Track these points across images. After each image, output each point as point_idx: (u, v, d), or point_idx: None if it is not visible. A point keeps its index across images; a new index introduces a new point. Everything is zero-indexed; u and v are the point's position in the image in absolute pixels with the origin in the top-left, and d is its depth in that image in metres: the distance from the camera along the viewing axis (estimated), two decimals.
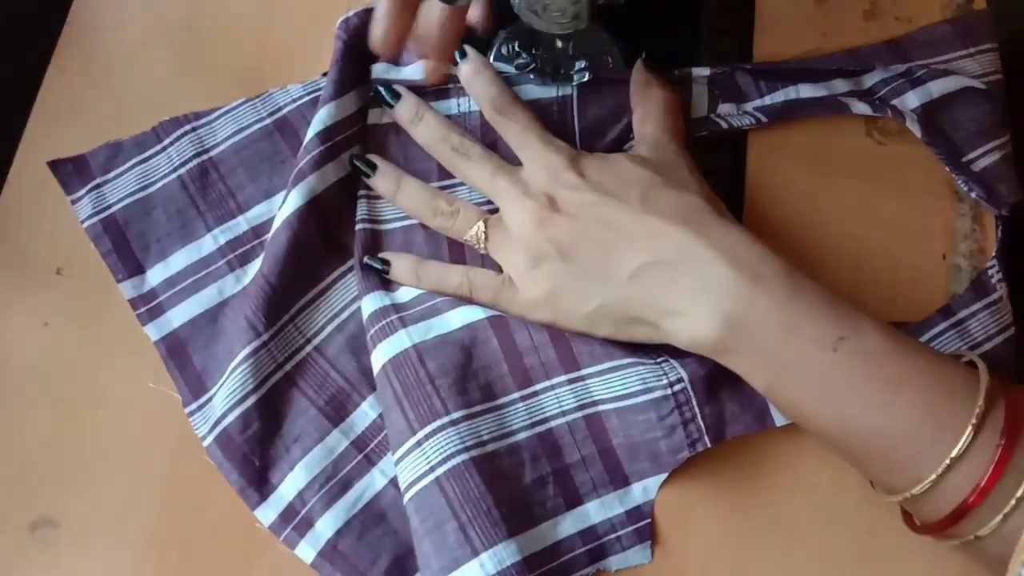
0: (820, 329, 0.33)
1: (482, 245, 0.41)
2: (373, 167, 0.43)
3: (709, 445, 0.38)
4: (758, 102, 0.45)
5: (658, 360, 0.39)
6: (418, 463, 0.38)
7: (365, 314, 0.42)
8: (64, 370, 0.43)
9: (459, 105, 0.45)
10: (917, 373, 0.33)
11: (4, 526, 0.40)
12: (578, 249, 0.38)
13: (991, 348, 0.39)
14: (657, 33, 0.47)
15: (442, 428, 0.38)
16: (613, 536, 0.39)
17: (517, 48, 0.45)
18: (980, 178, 0.43)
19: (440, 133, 0.43)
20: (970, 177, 0.43)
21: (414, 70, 0.45)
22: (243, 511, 0.40)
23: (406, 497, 0.38)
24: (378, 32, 0.39)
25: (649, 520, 0.39)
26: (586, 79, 0.45)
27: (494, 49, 0.47)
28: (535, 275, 0.39)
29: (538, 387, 0.40)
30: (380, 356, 0.40)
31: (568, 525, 0.38)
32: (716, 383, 0.39)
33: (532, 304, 0.39)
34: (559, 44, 0.45)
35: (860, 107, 0.44)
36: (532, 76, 0.45)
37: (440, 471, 0.37)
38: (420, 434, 0.38)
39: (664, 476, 0.39)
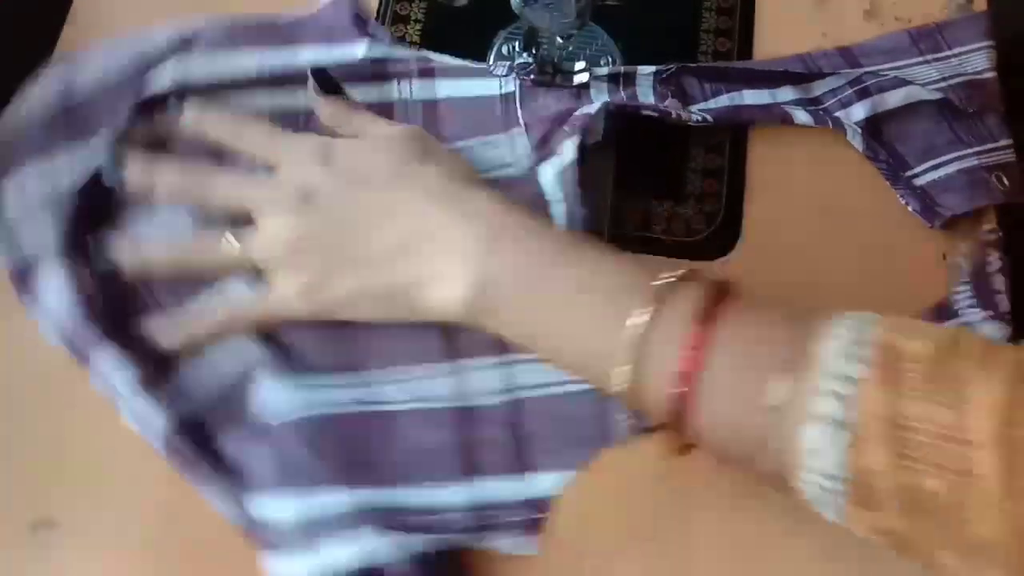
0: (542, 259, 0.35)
1: (246, 263, 0.40)
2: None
3: (626, 437, 0.39)
4: (702, 104, 0.45)
5: None
6: (378, 392, 0.40)
7: None
8: (64, 370, 0.43)
9: (400, 92, 0.45)
10: (602, 273, 0.34)
11: (4, 526, 0.40)
12: (330, 236, 0.38)
13: None
14: (657, 33, 0.47)
15: (364, 383, 0.40)
16: (504, 520, 0.38)
17: (517, 48, 0.45)
18: (919, 192, 0.43)
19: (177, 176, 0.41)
20: (908, 191, 0.43)
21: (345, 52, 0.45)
22: None
23: (309, 413, 0.39)
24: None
25: (544, 515, 0.39)
26: (586, 79, 0.45)
27: (494, 49, 0.47)
28: (290, 270, 0.38)
29: (470, 362, 0.40)
30: None
31: (461, 493, 0.38)
32: None
33: (292, 296, 0.39)
34: (559, 44, 0.45)
35: (802, 116, 0.44)
36: (479, 71, 0.46)
37: (348, 409, 0.39)
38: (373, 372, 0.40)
39: (573, 473, 0.39)
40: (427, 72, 0.46)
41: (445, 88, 0.45)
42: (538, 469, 0.39)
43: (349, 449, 0.39)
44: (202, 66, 0.44)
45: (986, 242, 0.42)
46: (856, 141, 0.44)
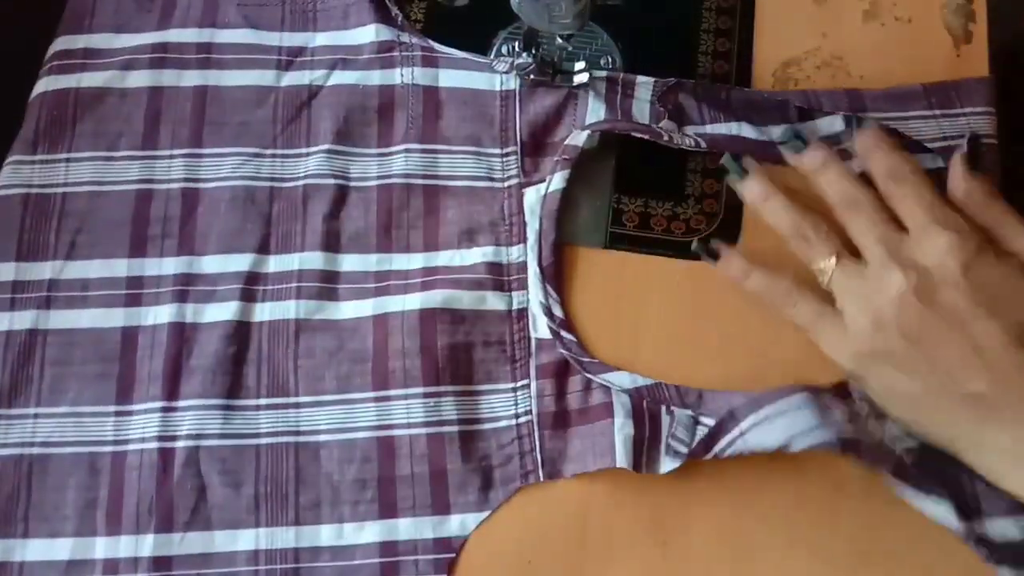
0: None
1: (825, 280, 0.39)
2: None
3: (542, 479, 0.39)
4: (699, 128, 0.44)
5: (516, 386, 0.40)
6: (248, 422, 0.40)
7: (271, 269, 0.43)
8: None
9: (402, 76, 0.46)
10: None
11: None
12: (925, 343, 0.36)
13: None
14: (657, 33, 0.47)
15: (284, 407, 0.40)
16: (412, 558, 0.38)
17: (517, 48, 0.45)
18: None
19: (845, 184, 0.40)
20: None
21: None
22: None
23: (222, 443, 0.39)
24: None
25: (454, 555, 0.39)
26: (586, 79, 0.45)
27: (494, 49, 0.47)
28: (873, 335, 0.37)
29: (393, 393, 0.40)
30: (263, 314, 0.42)
31: (373, 532, 0.39)
32: (565, 420, 0.40)
33: (854, 353, 0.37)
34: (559, 44, 0.45)
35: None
36: (478, 65, 0.46)
37: (264, 441, 0.40)
38: (263, 400, 0.40)
39: (486, 514, 0.39)
40: (431, 60, 0.46)
41: (447, 77, 0.46)
42: (451, 509, 0.39)
43: (269, 482, 0.39)
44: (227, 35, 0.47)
45: None
46: None
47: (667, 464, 0.38)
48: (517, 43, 0.46)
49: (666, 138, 0.43)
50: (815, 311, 0.39)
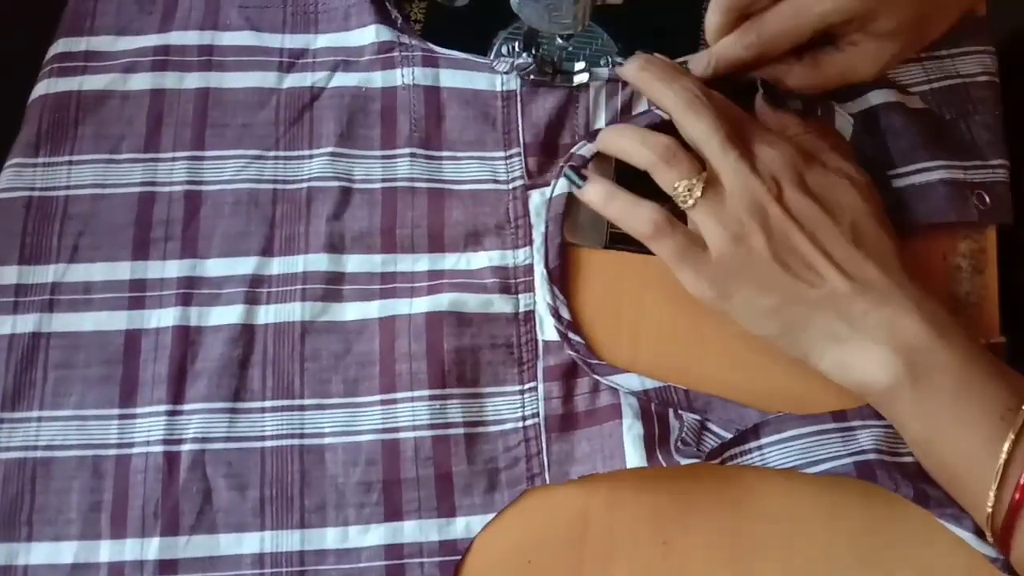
0: (991, 395, 0.34)
1: (691, 201, 0.39)
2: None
3: (548, 482, 0.39)
4: None
5: (524, 388, 0.40)
6: (253, 425, 0.40)
7: (275, 271, 0.43)
8: None
9: (403, 77, 0.46)
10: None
11: None
12: (784, 246, 0.38)
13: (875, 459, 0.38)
14: (657, 33, 0.47)
15: (289, 409, 0.40)
16: (417, 560, 0.38)
17: (517, 48, 0.45)
18: (893, 195, 0.42)
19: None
20: (881, 193, 0.42)
21: None
22: None
23: (228, 446, 0.40)
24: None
25: (459, 558, 0.38)
26: (586, 79, 0.45)
27: (494, 49, 0.47)
28: (734, 250, 0.38)
29: (399, 395, 0.40)
30: (268, 316, 0.42)
31: (378, 535, 0.39)
32: (573, 422, 0.40)
33: (714, 275, 0.38)
34: (559, 44, 0.45)
35: (794, 103, 0.44)
36: (479, 64, 0.46)
37: (269, 444, 0.40)
38: (267, 403, 0.40)
39: (491, 516, 0.39)
40: (431, 60, 0.46)
41: (448, 77, 0.46)
42: (457, 512, 0.39)
43: (274, 485, 0.39)
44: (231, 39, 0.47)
45: None
46: (846, 130, 0.44)
47: (682, 460, 0.38)
48: (517, 43, 0.46)
49: (667, 116, 0.43)
50: (681, 244, 0.39)
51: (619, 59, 0.46)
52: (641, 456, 0.38)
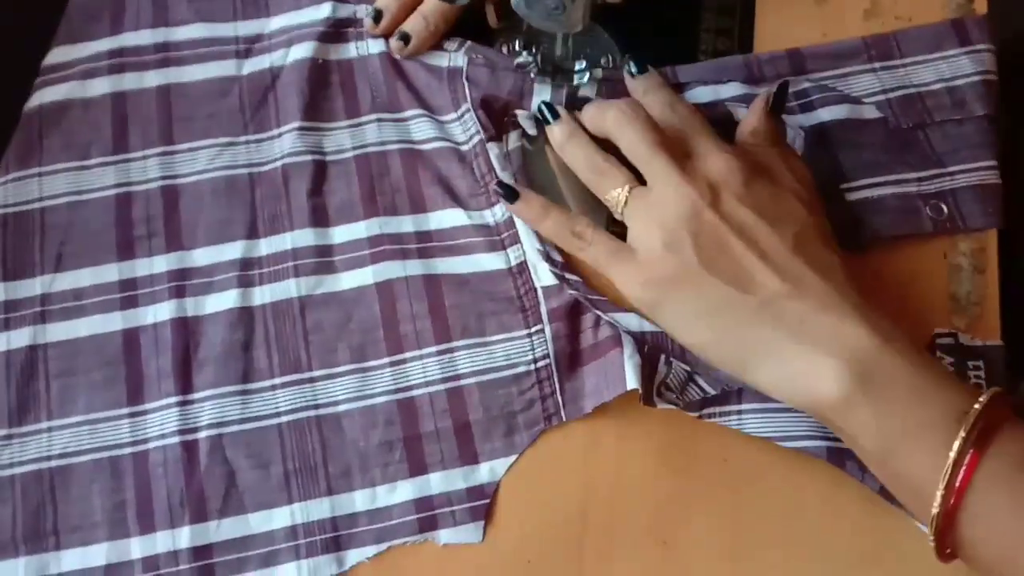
0: (944, 400, 0.33)
1: (619, 210, 0.40)
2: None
3: (564, 419, 0.40)
4: None
5: (531, 331, 0.41)
6: (267, 403, 0.40)
7: (264, 252, 0.43)
8: None
9: (357, 49, 0.47)
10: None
11: None
12: (718, 254, 0.37)
13: None
14: (657, 33, 0.47)
15: (299, 383, 0.41)
16: (448, 509, 0.39)
17: (517, 48, 0.45)
18: (846, 208, 0.42)
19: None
20: (834, 205, 0.42)
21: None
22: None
23: (244, 427, 0.40)
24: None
25: (488, 501, 0.39)
26: (586, 79, 0.45)
27: (495, 48, 0.47)
28: (665, 256, 0.37)
29: (407, 355, 0.41)
30: (264, 297, 0.42)
31: (405, 491, 0.39)
32: (579, 358, 0.41)
33: (645, 281, 0.38)
34: (559, 43, 0.45)
35: (744, 114, 0.44)
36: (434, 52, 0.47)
37: (284, 419, 0.40)
38: (277, 380, 0.41)
39: (514, 458, 0.40)
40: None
41: None
42: (479, 458, 0.40)
43: (297, 458, 0.40)
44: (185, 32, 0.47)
45: (940, 346, 0.40)
46: (797, 144, 0.44)
47: (660, 404, 0.39)
48: (517, 42, 0.46)
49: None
50: (609, 249, 0.39)
51: (626, 60, 0.46)
52: (638, 381, 0.39)
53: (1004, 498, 0.31)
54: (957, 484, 0.31)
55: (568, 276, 0.42)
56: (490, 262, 0.43)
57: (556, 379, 0.41)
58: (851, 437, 0.35)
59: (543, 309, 0.42)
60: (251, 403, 0.40)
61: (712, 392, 0.39)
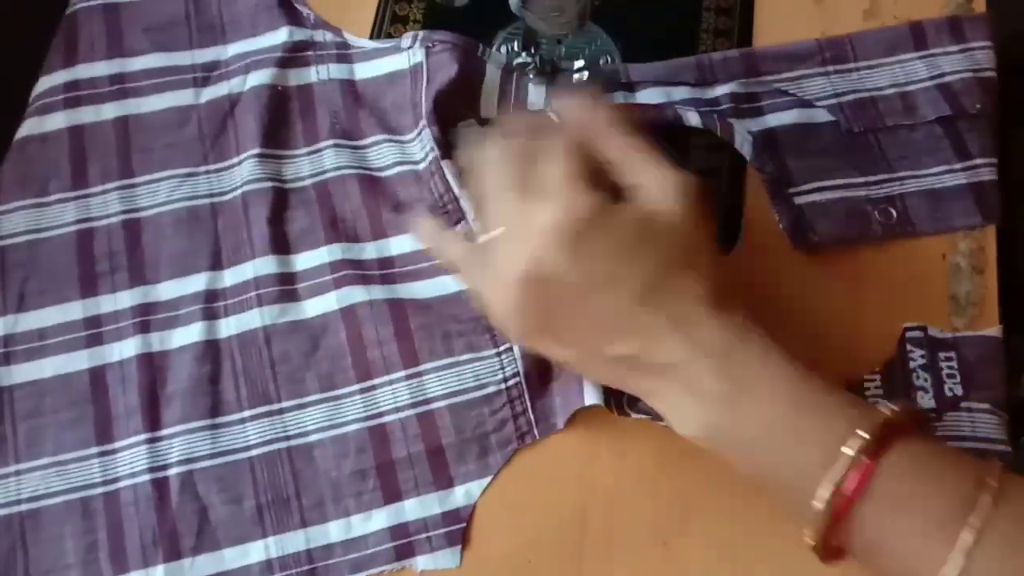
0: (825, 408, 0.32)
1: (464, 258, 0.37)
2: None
3: (538, 437, 0.40)
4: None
5: (500, 350, 0.41)
6: (236, 437, 0.40)
7: (228, 283, 0.43)
8: None
9: (318, 73, 0.47)
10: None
11: None
12: (557, 322, 0.34)
13: None
14: (657, 33, 0.47)
15: (268, 415, 0.40)
16: (424, 536, 0.39)
17: (516, 48, 0.45)
18: (795, 211, 0.43)
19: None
20: (783, 207, 0.42)
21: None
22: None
23: (215, 462, 0.40)
24: None
25: (463, 525, 0.39)
26: (585, 77, 0.45)
27: (493, 49, 0.47)
28: (515, 319, 0.34)
29: (377, 381, 0.41)
30: (230, 328, 0.42)
31: (380, 519, 0.39)
32: (548, 376, 0.41)
33: (511, 328, 0.35)
34: (558, 44, 0.45)
35: (693, 118, 0.44)
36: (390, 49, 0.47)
37: (255, 452, 0.40)
38: (246, 413, 0.40)
39: (488, 480, 0.39)
40: (345, 57, 0.47)
41: (362, 70, 0.47)
42: (454, 482, 0.39)
43: (269, 491, 0.39)
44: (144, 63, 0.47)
45: (911, 339, 0.41)
46: (745, 149, 0.44)
47: (634, 415, 0.39)
48: (517, 43, 0.46)
49: (553, 116, 0.42)
50: (466, 262, 0.37)
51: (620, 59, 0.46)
52: (598, 394, 0.39)
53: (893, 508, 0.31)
54: (853, 489, 0.31)
55: None
56: (454, 284, 0.42)
57: (527, 397, 0.40)
58: (731, 463, 0.35)
59: None
60: (221, 437, 0.40)
61: None
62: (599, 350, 0.34)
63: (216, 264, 0.43)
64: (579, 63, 0.45)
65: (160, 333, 0.42)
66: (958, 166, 0.43)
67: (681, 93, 0.45)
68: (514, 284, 0.33)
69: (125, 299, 0.42)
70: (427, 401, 0.40)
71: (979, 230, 0.43)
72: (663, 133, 0.43)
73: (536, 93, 0.46)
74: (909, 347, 0.41)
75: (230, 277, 0.43)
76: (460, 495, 0.39)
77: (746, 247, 0.43)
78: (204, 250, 0.43)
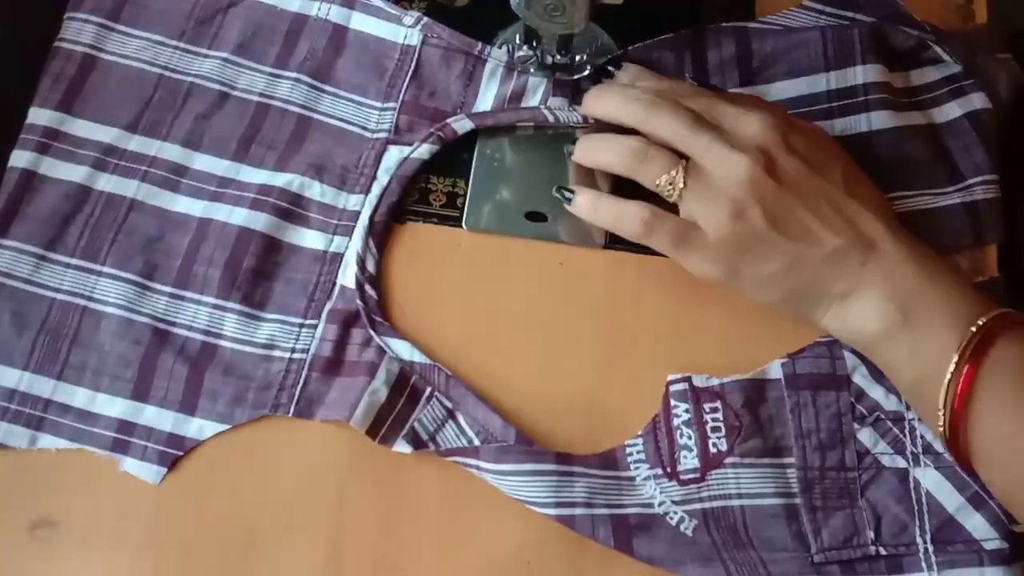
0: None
1: (676, 192, 0.39)
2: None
3: (289, 414, 0.41)
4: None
5: (304, 322, 0.42)
6: (55, 276, 0.42)
7: (130, 147, 0.44)
8: None
9: (319, 9, 0.47)
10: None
11: (4, 526, 0.40)
12: (782, 215, 0.38)
13: None
14: (657, 33, 0.47)
15: (89, 271, 0.42)
16: (142, 443, 0.40)
17: (518, 40, 0.45)
18: None
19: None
20: None
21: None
22: (243, 511, 0.40)
23: (25, 287, 0.42)
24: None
25: (180, 454, 0.40)
26: (587, 73, 0.45)
27: (494, 47, 0.47)
28: (734, 227, 0.38)
29: (187, 295, 0.42)
30: (109, 185, 0.44)
31: (119, 408, 0.41)
32: (336, 368, 0.41)
33: (717, 255, 0.39)
34: (558, 44, 0.45)
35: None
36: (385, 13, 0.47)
37: (61, 297, 0.42)
38: (73, 260, 0.43)
39: (226, 428, 0.41)
40: (349, 3, 0.48)
41: (359, 20, 0.47)
42: (196, 412, 0.41)
43: (50, 334, 0.42)
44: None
45: (675, 392, 0.41)
46: None
47: (401, 445, 0.40)
48: (518, 36, 0.46)
49: (552, 119, 0.44)
50: (675, 231, 0.39)
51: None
52: (366, 420, 0.40)
53: (1003, 404, 0.34)
54: (957, 395, 0.34)
55: (367, 288, 0.42)
56: (311, 239, 0.43)
57: (303, 378, 0.41)
58: (895, 369, 0.38)
59: (327, 307, 0.42)
60: (42, 269, 0.42)
61: (470, 432, 0.40)
62: (813, 247, 0.38)
63: (132, 125, 0.45)
64: (579, 63, 0.45)
65: (51, 159, 0.44)
66: (950, 188, 0.43)
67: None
68: (747, 188, 0.38)
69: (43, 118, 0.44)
70: (217, 336, 0.42)
71: (978, 248, 0.43)
72: None
73: (537, 87, 0.46)
74: (673, 402, 0.40)
75: (136, 144, 0.45)
76: (194, 427, 0.41)
77: None
78: (130, 108, 0.45)
